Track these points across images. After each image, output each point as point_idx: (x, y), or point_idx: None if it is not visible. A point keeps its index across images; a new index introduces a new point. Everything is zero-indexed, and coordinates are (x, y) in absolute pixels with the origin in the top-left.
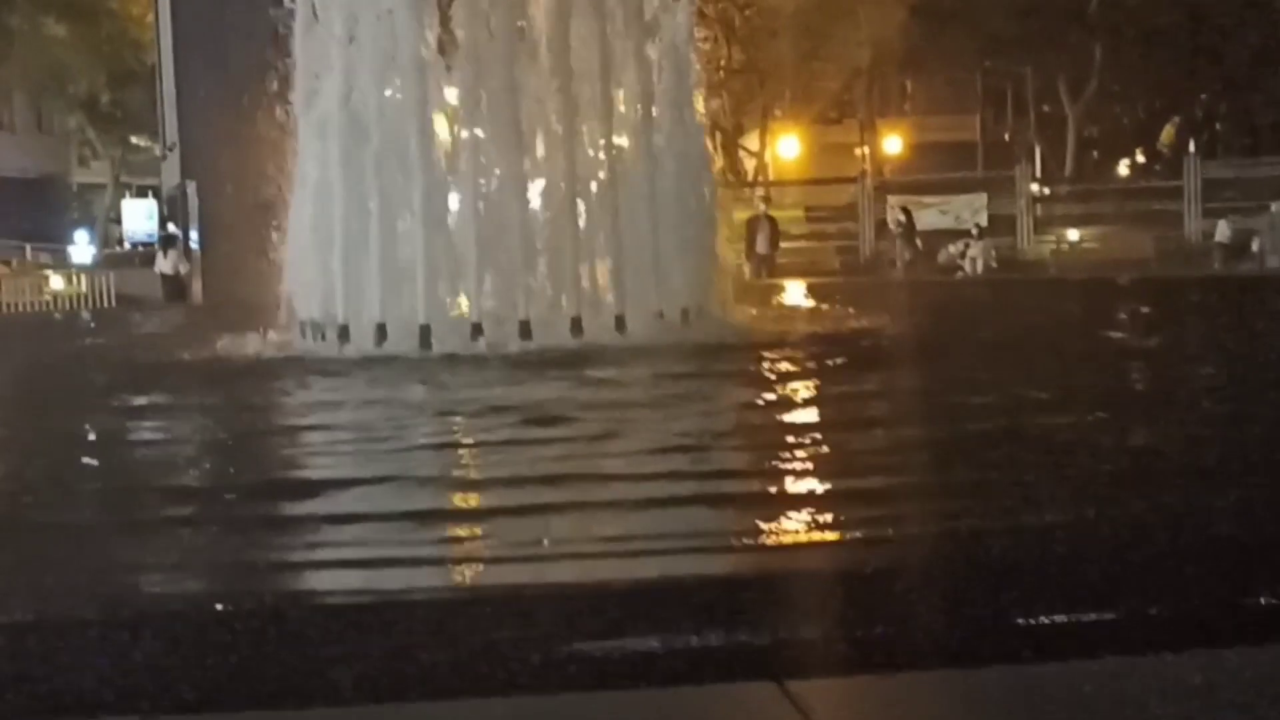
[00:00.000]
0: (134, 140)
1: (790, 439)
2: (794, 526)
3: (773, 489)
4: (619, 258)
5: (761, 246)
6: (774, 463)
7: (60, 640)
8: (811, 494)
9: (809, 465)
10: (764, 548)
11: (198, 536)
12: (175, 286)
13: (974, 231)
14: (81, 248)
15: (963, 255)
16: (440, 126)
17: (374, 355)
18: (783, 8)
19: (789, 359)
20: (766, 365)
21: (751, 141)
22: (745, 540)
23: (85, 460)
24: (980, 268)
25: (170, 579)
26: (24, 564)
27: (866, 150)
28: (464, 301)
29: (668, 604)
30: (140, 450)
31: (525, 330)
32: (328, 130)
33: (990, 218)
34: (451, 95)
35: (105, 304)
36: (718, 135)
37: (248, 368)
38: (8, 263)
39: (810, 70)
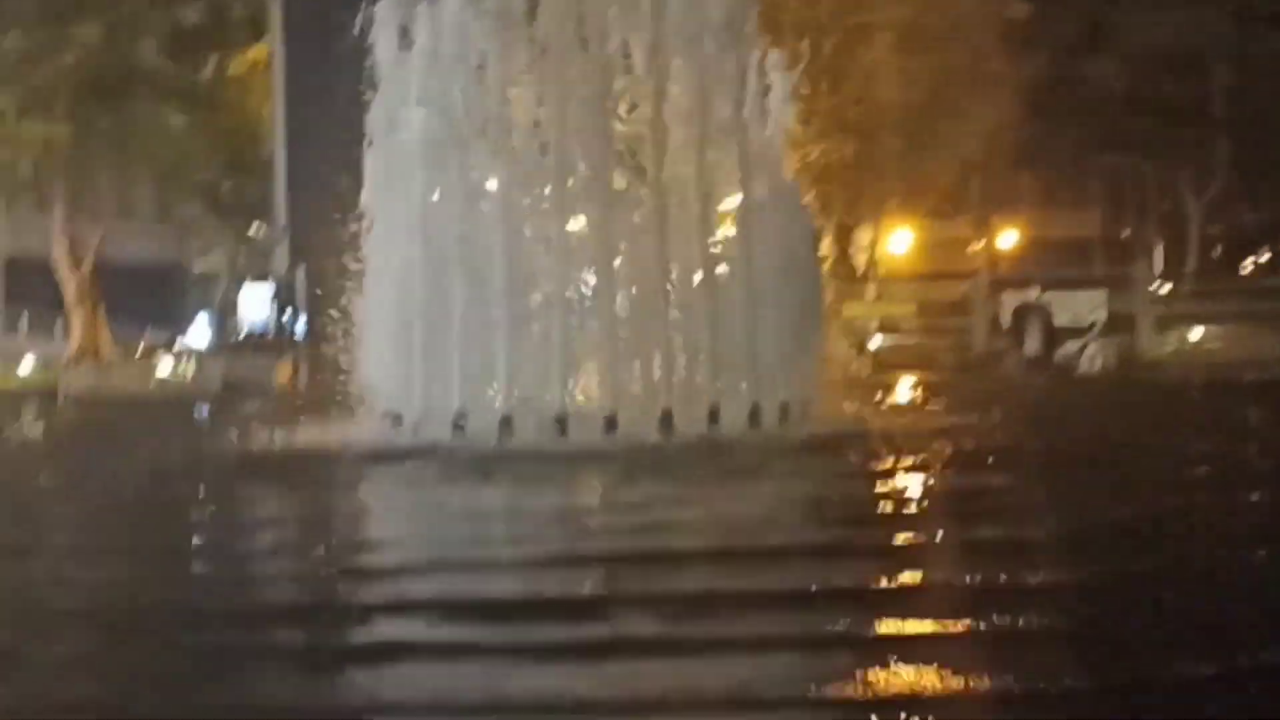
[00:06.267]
0: (250, 232)
1: None
2: None
3: None
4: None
5: (1032, 345)
6: None
7: None
8: None
9: None
10: None
11: None
12: None
13: (1093, 329)
14: (199, 330)
15: (1081, 352)
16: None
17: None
18: (894, 101)
19: None
20: None
21: (864, 235)
22: None
23: None
24: (1099, 365)
25: None
26: None
27: (981, 244)
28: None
29: None
30: None
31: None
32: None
33: (1109, 315)
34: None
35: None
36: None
37: None
38: (125, 347)
39: (923, 164)
